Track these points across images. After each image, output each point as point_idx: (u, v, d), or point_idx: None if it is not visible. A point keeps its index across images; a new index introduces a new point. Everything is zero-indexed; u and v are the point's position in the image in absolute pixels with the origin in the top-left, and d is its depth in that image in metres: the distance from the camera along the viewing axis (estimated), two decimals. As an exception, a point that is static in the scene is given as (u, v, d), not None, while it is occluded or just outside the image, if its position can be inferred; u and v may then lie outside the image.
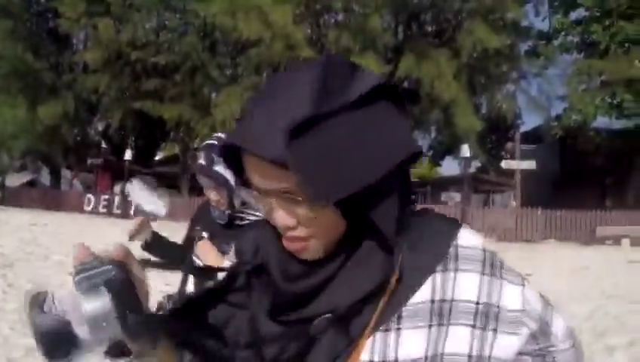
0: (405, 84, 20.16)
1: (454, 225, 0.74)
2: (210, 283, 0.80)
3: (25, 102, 23.91)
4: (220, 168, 2.15)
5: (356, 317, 0.68)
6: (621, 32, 20.53)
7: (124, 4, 24.78)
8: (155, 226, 2.50)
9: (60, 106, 24.54)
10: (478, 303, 0.69)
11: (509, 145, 25.53)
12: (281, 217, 0.68)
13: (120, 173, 28.64)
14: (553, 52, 22.76)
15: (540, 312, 0.74)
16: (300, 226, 0.68)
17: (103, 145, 32.34)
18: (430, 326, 0.68)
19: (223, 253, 2.12)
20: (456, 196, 24.94)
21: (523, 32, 21.89)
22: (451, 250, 0.71)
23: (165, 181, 31.27)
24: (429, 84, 18.37)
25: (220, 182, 2.17)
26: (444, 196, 25.97)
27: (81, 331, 0.65)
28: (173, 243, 2.52)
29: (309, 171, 0.60)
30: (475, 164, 26.48)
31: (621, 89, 20.41)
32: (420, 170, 43.04)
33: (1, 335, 5.38)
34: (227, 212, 2.24)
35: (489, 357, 0.68)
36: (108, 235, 15.05)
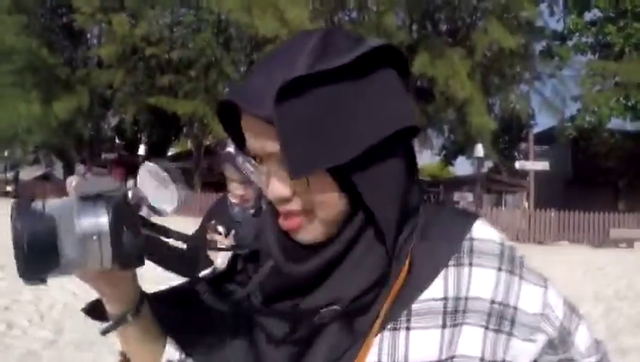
0: (419, 83, 20.16)
1: (469, 216, 0.69)
2: (207, 271, 0.78)
3: (39, 96, 24.10)
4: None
5: (363, 311, 0.63)
6: (636, 34, 20.36)
7: (139, -1, 24.94)
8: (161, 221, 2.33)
9: (74, 101, 24.71)
10: (493, 302, 0.64)
11: (523, 145, 25.41)
12: (276, 187, 0.63)
13: (133, 168, 28.83)
14: (567, 52, 22.61)
15: (561, 319, 0.69)
16: (296, 198, 0.63)
17: (117, 140, 32.62)
18: (444, 326, 0.63)
19: None
20: (469, 196, 24.88)
21: (537, 31, 21.75)
22: (466, 242, 0.66)
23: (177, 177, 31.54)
24: (443, 82, 18.32)
25: (249, 175, 2.04)
26: (456, 196, 25.92)
27: (67, 245, 0.59)
28: (178, 251, 2.14)
29: (291, 134, 0.56)
30: (488, 164, 26.39)
31: (635, 91, 20.26)
32: (432, 169, 42.97)
33: (19, 327, 5.43)
34: (251, 211, 1.99)
35: (503, 361, 0.64)
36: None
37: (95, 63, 27.59)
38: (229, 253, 0.81)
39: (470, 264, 0.65)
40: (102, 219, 0.60)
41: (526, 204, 20.28)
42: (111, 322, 0.69)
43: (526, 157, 21.25)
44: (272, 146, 0.60)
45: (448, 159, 27.83)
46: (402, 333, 0.63)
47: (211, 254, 1.93)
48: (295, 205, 0.63)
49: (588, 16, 23.10)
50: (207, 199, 22.33)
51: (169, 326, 0.74)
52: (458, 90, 17.98)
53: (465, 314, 0.63)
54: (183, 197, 2.10)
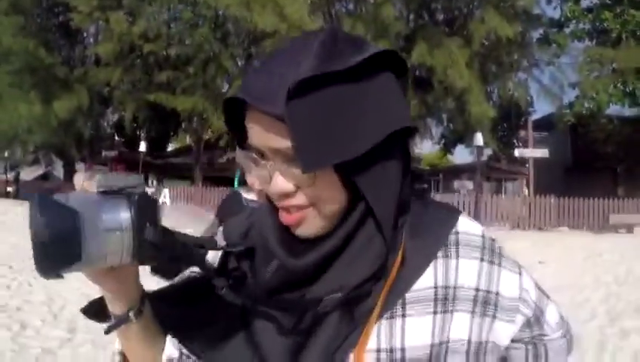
0: (417, 72, 20.18)
1: (454, 211, 0.74)
2: (197, 269, 0.77)
3: (38, 97, 24.08)
4: None
5: (361, 300, 0.67)
6: (632, 20, 20.35)
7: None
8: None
9: (74, 100, 24.69)
10: (477, 289, 0.69)
11: (522, 133, 25.46)
12: (279, 181, 0.66)
13: (134, 165, 28.87)
14: (565, 40, 22.58)
15: (535, 301, 0.75)
16: (299, 193, 0.66)
17: (116, 137, 32.59)
18: (435, 312, 0.68)
19: None
20: (469, 184, 24.93)
21: (534, 19, 21.72)
22: (452, 236, 0.71)
23: (178, 172, 31.59)
24: (441, 72, 18.35)
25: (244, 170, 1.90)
26: (456, 184, 25.96)
27: (90, 240, 0.59)
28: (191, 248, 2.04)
29: (303, 131, 0.59)
30: (487, 152, 26.42)
31: (633, 77, 20.29)
32: (431, 158, 43.00)
33: (33, 327, 5.43)
34: None
35: (486, 341, 0.70)
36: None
37: (93, 62, 27.55)
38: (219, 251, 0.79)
39: (457, 256, 0.70)
40: (124, 214, 0.61)
41: (526, 191, 20.36)
42: (114, 321, 0.71)
43: (525, 145, 21.30)
44: (279, 142, 0.63)
45: (447, 148, 27.86)
46: (398, 321, 0.67)
47: None
48: (297, 200, 0.66)
49: (584, 2, 23.08)
50: (208, 193, 22.47)
51: (169, 323, 0.76)
52: (457, 80, 17.99)
53: (454, 302, 0.68)
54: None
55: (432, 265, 0.69)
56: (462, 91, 18.56)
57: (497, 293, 0.70)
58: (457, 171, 29.90)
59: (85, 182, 0.65)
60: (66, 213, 0.58)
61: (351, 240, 0.67)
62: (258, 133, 0.65)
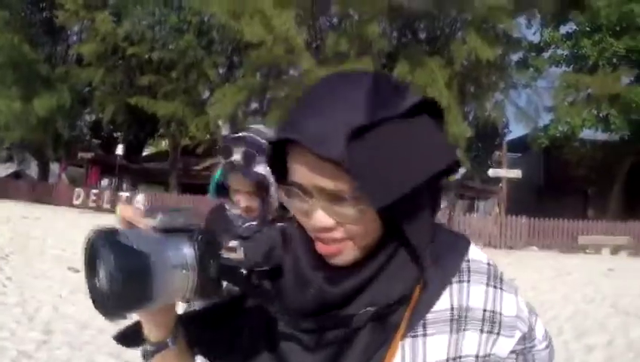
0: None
1: (465, 240, 0.80)
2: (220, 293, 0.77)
3: (19, 93, 23.71)
4: (261, 169, 1.77)
5: (390, 318, 0.73)
6: (609, 48, 20.92)
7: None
8: None
9: (54, 99, 24.39)
10: (485, 310, 0.76)
11: (496, 153, 25.88)
12: (321, 217, 0.70)
13: (109, 168, 28.51)
14: (543, 64, 23.08)
15: (528, 317, 0.83)
16: (338, 227, 0.70)
17: (92, 139, 32.13)
18: (451, 331, 0.74)
19: None
20: (442, 202, 25.09)
21: (514, 43, 22.19)
22: (464, 264, 0.78)
23: (154, 177, 31.22)
24: (422, 90, 18.61)
25: (259, 185, 1.79)
26: (430, 201, 26.11)
27: (159, 280, 0.59)
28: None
29: (367, 173, 0.63)
30: (461, 171, 26.78)
31: (606, 104, 20.85)
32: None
33: (7, 329, 5.33)
34: (253, 223, 1.83)
35: (490, 354, 0.76)
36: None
37: (74, 60, 27.27)
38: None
39: (468, 281, 0.77)
40: (189, 253, 0.63)
41: (497, 210, 20.64)
42: (153, 347, 0.75)
43: (498, 165, 21.62)
44: (326, 183, 0.67)
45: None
46: (420, 340, 0.73)
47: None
48: (336, 234, 0.70)
49: (564, 29, 23.54)
50: (183, 200, 22.34)
51: (198, 345, 0.81)
52: (436, 98, 18.25)
53: (466, 322, 0.75)
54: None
55: (447, 289, 0.75)
56: (441, 110, 18.79)
57: (500, 313, 0.78)
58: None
59: (145, 218, 0.66)
60: (137, 255, 0.58)
61: (385, 267, 0.72)
62: (305, 172, 0.68)
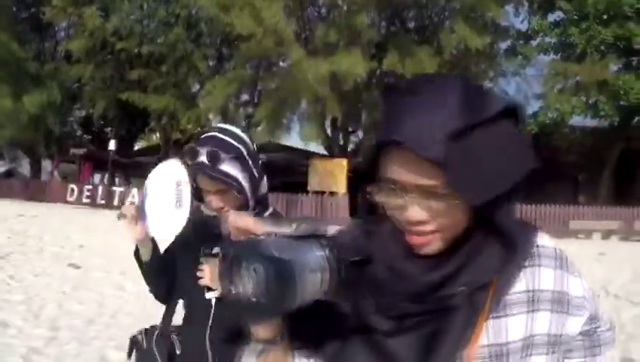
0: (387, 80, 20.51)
1: (534, 228, 0.86)
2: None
3: (9, 91, 23.55)
4: (228, 167, 1.75)
5: (473, 300, 0.78)
6: (597, 36, 21.06)
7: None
8: None
9: (44, 96, 24.25)
10: (554, 292, 0.82)
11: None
12: (416, 211, 0.75)
13: (101, 163, 28.41)
14: (531, 52, 23.15)
15: (592, 298, 0.89)
16: (431, 221, 0.76)
17: (83, 134, 31.99)
18: (528, 312, 0.80)
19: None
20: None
21: (503, 31, 22.28)
22: (535, 249, 0.84)
23: (146, 171, 31.06)
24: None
25: (227, 184, 1.75)
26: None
27: (302, 284, 0.64)
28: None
29: (465, 173, 0.69)
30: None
31: (594, 91, 21.02)
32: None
33: (15, 326, 5.37)
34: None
35: (560, 334, 0.82)
36: (99, 226, 15.08)
37: (63, 57, 27.08)
38: None
39: (539, 265, 0.83)
40: (322, 256, 0.68)
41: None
42: (264, 345, 0.82)
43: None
44: (422, 180, 0.73)
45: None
46: (503, 320, 0.79)
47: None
48: (428, 226, 0.76)
49: (552, 17, 23.55)
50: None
51: (296, 338, 0.85)
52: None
53: (539, 302, 0.81)
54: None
55: (522, 272, 0.82)
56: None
57: (569, 294, 0.84)
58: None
59: (294, 229, 0.72)
60: (283, 263, 0.63)
61: (474, 253, 0.78)
62: (404, 170, 0.74)
